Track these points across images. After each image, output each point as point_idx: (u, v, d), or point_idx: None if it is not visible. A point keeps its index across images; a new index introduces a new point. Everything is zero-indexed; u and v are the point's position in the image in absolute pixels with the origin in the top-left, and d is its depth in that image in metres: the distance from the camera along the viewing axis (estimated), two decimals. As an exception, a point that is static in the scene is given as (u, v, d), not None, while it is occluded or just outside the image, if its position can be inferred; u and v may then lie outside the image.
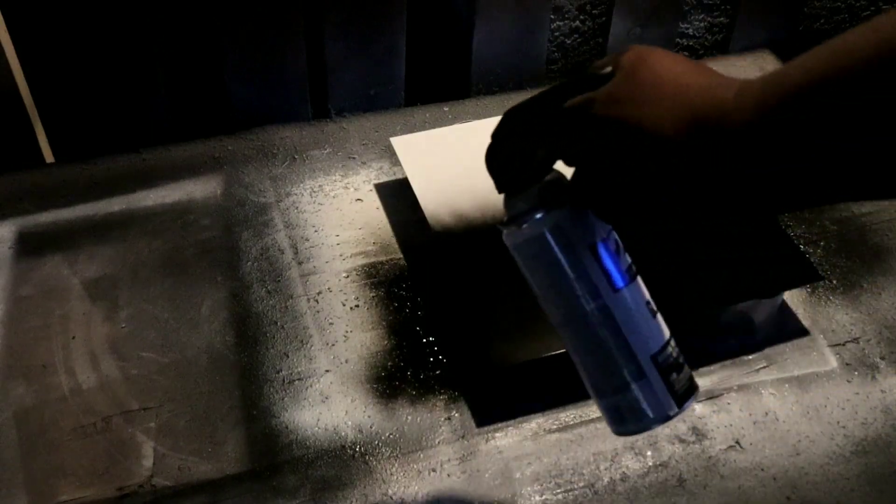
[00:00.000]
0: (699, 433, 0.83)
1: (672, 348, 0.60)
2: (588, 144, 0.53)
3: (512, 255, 0.61)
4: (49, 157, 1.12)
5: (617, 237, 0.59)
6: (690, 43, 1.32)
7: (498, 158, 0.59)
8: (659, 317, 0.60)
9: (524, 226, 0.58)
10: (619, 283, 0.58)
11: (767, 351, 0.90)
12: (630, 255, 0.60)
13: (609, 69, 0.53)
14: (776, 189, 0.47)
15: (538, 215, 0.57)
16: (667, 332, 0.60)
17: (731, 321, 0.90)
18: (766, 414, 0.85)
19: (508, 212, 0.60)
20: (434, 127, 1.10)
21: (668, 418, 0.59)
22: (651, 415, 0.59)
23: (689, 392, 0.60)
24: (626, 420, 0.60)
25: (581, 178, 0.55)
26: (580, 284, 0.58)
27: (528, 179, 0.58)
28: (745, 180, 0.47)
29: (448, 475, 0.79)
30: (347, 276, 0.95)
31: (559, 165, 0.56)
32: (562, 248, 0.57)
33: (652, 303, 0.60)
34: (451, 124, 1.11)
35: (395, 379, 0.86)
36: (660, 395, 0.59)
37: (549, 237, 0.58)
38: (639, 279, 0.60)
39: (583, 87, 0.53)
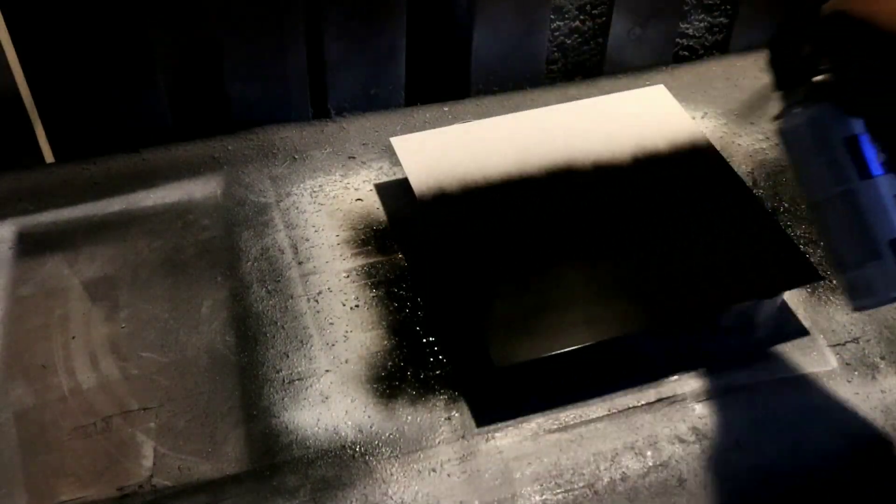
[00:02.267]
0: (699, 433, 0.83)
1: None
2: (844, 41, 0.61)
3: (780, 139, 0.73)
4: (49, 157, 1.12)
5: (874, 136, 0.68)
6: (690, 43, 1.32)
7: (777, 58, 0.71)
8: None
9: (791, 115, 0.70)
10: (872, 171, 0.67)
11: (767, 351, 0.90)
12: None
13: None
14: None
15: (800, 108, 0.69)
16: None
17: (731, 321, 0.90)
18: (766, 414, 0.85)
19: (782, 104, 0.72)
20: (434, 127, 1.10)
21: None
22: (883, 292, 0.68)
23: None
24: (860, 294, 0.70)
25: (839, 76, 0.64)
26: (833, 170, 0.68)
27: (799, 77, 0.69)
28: None
29: (448, 475, 0.79)
30: (347, 276, 0.95)
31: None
32: (819, 136, 0.69)
33: None
34: (451, 124, 1.11)
35: (395, 379, 0.86)
36: (893, 276, 0.67)
37: (809, 126, 0.69)
38: (893, 175, 0.69)
39: None
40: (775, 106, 0.74)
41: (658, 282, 0.88)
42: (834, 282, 0.97)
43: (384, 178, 1.07)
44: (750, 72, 1.25)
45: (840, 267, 0.71)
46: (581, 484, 0.79)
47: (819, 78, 0.68)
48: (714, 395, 0.86)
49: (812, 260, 0.98)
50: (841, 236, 0.70)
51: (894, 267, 0.67)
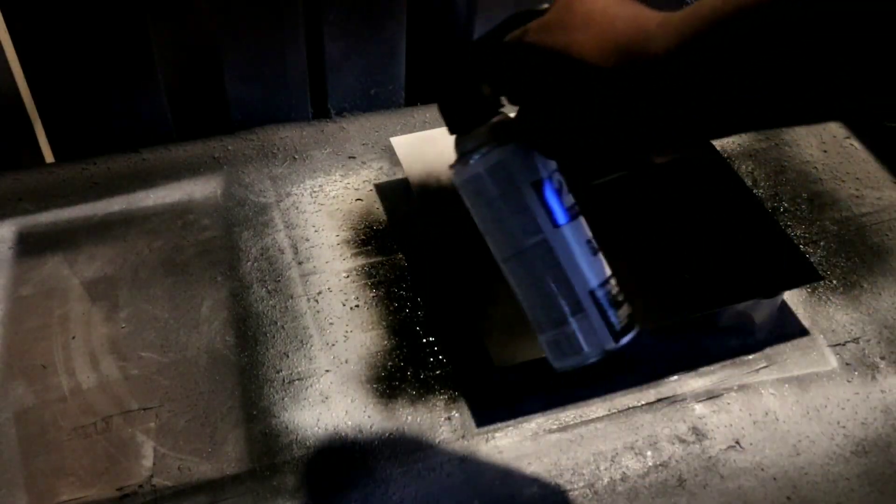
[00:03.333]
0: (699, 433, 0.83)
1: (612, 286, 0.62)
2: (524, 76, 0.55)
3: (459, 194, 0.64)
4: (49, 157, 1.12)
5: (561, 177, 0.62)
6: (690, 43, 1.31)
7: (447, 99, 0.62)
8: (601, 256, 0.63)
9: (469, 163, 0.61)
10: (561, 219, 0.60)
11: (767, 351, 0.90)
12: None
13: (546, 5, 0.55)
14: (704, 116, 0.48)
15: (481, 153, 0.60)
16: (608, 272, 0.63)
17: (731, 321, 0.90)
18: (766, 414, 0.85)
19: (457, 150, 0.62)
20: (434, 127, 1.10)
21: (604, 352, 0.62)
22: (588, 348, 0.62)
23: (627, 328, 0.62)
24: (565, 354, 0.63)
25: (522, 114, 0.57)
26: (521, 220, 0.60)
27: (475, 118, 0.60)
28: (672, 109, 0.48)
29: (448, 475, 0.79)
30: (347, 276, 0.95)
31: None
32: (504, 184, 0.60)
33: (594, 242, 0.62)
34: (451, 124, 1.11)
35: (395, 379, 0.86)
36: (598, 330, 0.61)
37: (490, 174, 0.60)
38: (581, 219, 0.62)
39: (522, 20, 0.55)
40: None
41: (658, 281, 0.88)
42: (834, 281, 0.97)
43: (384, 178, 1.07)
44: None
45: (541, 325, 0.63)
46: (581, 484, 0.79)
47: (498, 118, 0.60)
48: (714, 395, 0.86)
49: (812, 260, 0.98)
50: (540, 291, 0.62)
51: (598, 319, 0.61)
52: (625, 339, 0.62)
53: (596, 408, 0.84)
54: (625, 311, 0.62)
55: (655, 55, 0.47)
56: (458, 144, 0.62)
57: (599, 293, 0.61)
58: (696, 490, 0.79)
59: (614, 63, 0.49)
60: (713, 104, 0.47)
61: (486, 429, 0.82)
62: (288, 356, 0.87)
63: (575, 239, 0.61)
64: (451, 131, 0.62)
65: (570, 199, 0.62)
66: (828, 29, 0.40)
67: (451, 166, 0.63)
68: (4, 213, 1.00)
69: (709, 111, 0.48)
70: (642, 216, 0.95)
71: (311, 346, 0.88)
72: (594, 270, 0.62)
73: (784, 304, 0.94)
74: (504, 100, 0.59)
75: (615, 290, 0.63)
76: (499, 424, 0.83)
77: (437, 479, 0.79)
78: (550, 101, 0.53)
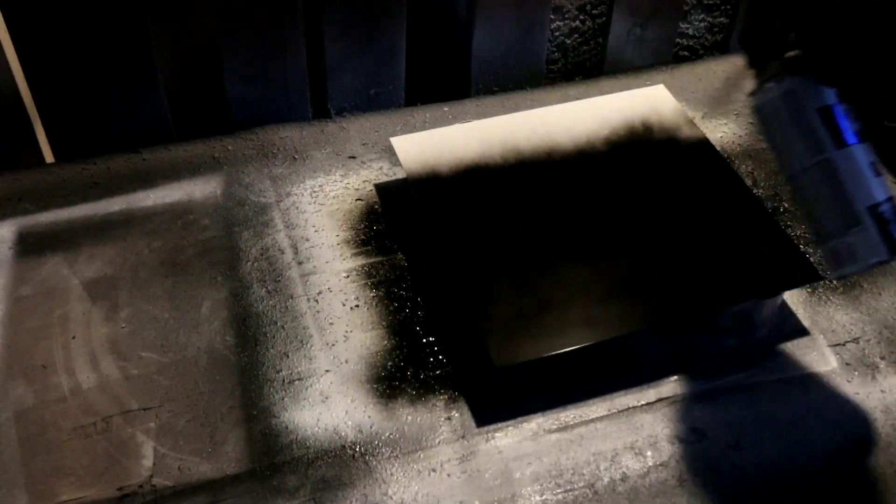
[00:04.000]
0: (699, 433, 0.83)
1: (893, 205, 0.70)
2: (824, 17, 0.63)
3: (755, 115, 0.76)
4: (49, 157, 1.12)
5: (848, 106, 0.71)
6: (690, 43, 1.32)
7: (748, 37, 0.74)
8: (884, 178, 0.71)
9: (765, 91, 0.73)
10: (845, 141, 0.70)
11: (767, 351, 0.90)
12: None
13: None
14: None
15: (776, 82, 0.71)
16: (888, 193, 0.71)
17: (731, 321, 0.90)
18: (766, 414, 0.85)
19: (756, 81, 0.75)
20: (434, 127, 1.10)
21: (879, 263, 0.70)
22: (865, 257, 0.70)
23: None
24: (843, 262, 0.72)
25: (813, 50, 0.66)
26: (808, 140, 0.71)
27: (770, 53, 0.71)
28: None
29: (448, 475, 0.79)
30: (347, 276, 0.95)
31: None
32: (794, 109, 0.71)
33: (879, 165, 0.71)
34: (451, 124, 1.11)
35: (395, 379, 0.86)
36: (874, 241, 0.69)
37: (784, 99, 0.72)
38: (867, 143, 0.71)
39: None
40: (745, 91, 0.77)
41: (658, 282, 0.88)
42: (834, 282, 0.97)
43: (384, 178, 1.07)
44: (750, 72, 1.25)
45: (820, 237, 0.73)
46: (581, 484, 0.79)
47: (792, 53, 0.70)
48: (714, 395, 0.86)
49: (812, 260, 0.98)
50: (820, 206, 0.72)
51: (875, 232, 0.69)
52: None
53: (596, 408, 0.84)
54: None
55: None
56: (757, 76, 0.74)
57: (881, 209, 0.69)
58: (696, 490, 0.79)
59: None
60: None
61: (486, 429, 0.82)
62: (288, 356, 0.87)
63: (858, 159, 0.69)
64: (752, 66, 0.74)
65: (856, 125, 0.70)
66: None
67: (750, 94, 0.75)
68: (4, 213, 1.00)
69: None
70: (642, 216, 0.95)
71: (311, 346, 0.88)
72: (876, 188, 0.70)
73: (784, 304, 0.94)
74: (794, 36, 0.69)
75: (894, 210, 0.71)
76: (499, 424, 0.83)
77: (437, 479, 0.79)
78: (838, 37, 0.61)
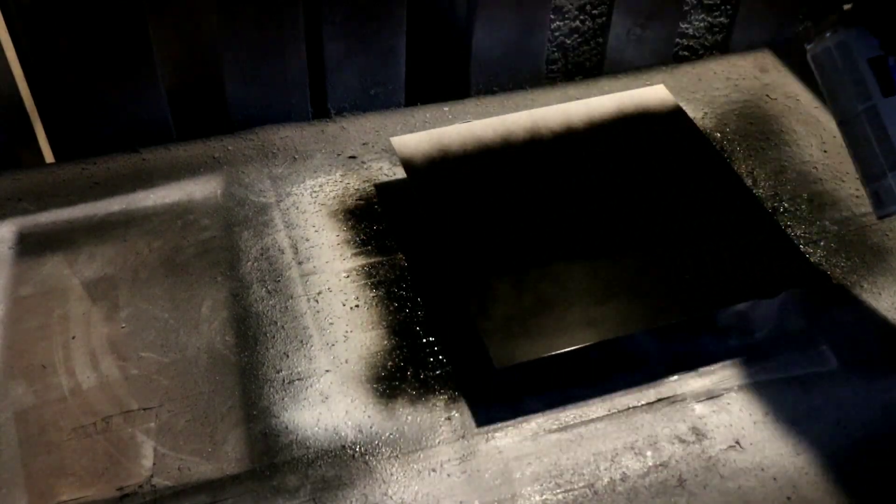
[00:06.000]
0: (699, 433, 0.83)
1: None
2: None
3: (811, 64, 0.82)
4: (49, 157, 1.12)
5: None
6: (690, 43, 1.32)
7: None
8: None
9: (820, 41, 0.78)
10: (892, 91, 0.75)
11: (767, 351, 0.90)
12: None
13: None
14: None
15: (830, 33, 0.77)
16: None
17: (731, 321, 0.90)
18: (766, 414, 0.85)
19: (813, 32, 0.80)
20: (434, 127, 1.10)
21: None
22: None
23: None
24: (884, 203, 0.78)
25: (867, 5, 0.71)
26: (858, 89, 0.76)
27: (829, 5, 0.77)
28: None
29: (448, 475, 0.79)
30: (347, 276, 0.95)
31: None
32: (846, 59, 0.77)
33: None
34: (451, 124, 1.11)
35: (395, 379, 0.86)
36: None
37: (837, 48, 0.77)
38: None
39: None
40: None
41: (658, 282, 0.88)
42: (834, 281, 0.97)
43: (384, 178, 1.07)
44: (750, 72, 1.25)
45: (866, 178, 0.78)
46: (581, 484, 0.79)
47: (848, 5, 0.75)
48: (714, 395, 0.86)
49: (812, 260, 0.98)
50: (866, 149, 0.77)
51: None
52: None
53: (596, 408, 0.84)
54: None
55: None
56: (814, 26, 0.79)
57: None
58: (696, 490, 0.79)
59: None
60: None
61: (486, 429, 0.82)
62: (288, 356, 0.87)
63: None
64: (810, 18, 0.81)
65: None
66: None
67: (805, 44, 0.81)
68: (4, 213, 1.00)
69: None
70: (642, 216, 0.95)
71: (311, 346, 0.88)
72: None
73: (784, 304, 0.94)
74: None
75: None
76: (499, 424, 0.83)
77: (437, 479, 0.79)
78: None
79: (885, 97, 0.76)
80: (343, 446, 0.80)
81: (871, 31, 0.76)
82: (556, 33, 1.23)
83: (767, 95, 1.21)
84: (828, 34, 0.79)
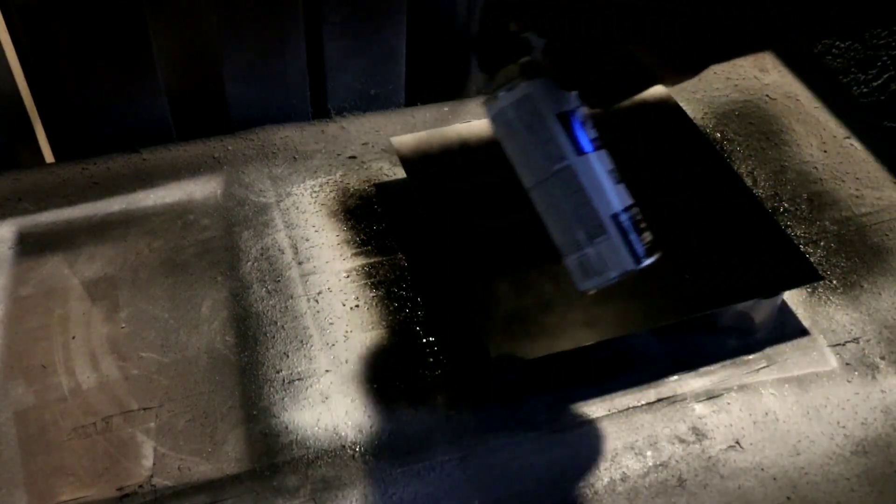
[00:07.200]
0: (699, 433, 0.83)
1: (634, 213, 0.67)
2: (550, 11, 0.59)
3: (491, 126, 0.69)
4: (49, 157, 1.12)
5: (586, 111, 0.67)
6: (690, 43, 1.31)
7: (480, 41, 0.68)
8: (623, 186, 0.67)
9: (498, 98, 0.66)
10: (585, 148, 0.66)
11: (767, 351, 0.90)
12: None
13: None
14: (722, 35, 0.54)
15: (509, 89, 0.66)
16: (630, 200, 0.67)
17: (731, 321, 0.90)
18: (766, 414, 0.85)
19: (490, 86, 0.68)
20: (434, 127, 1.10)
21: (626, 272, 0.67)
22: (610, 269, 0.67)
23: (649, 252, 0.67)
24: (589, 274, 0.68)
25: (547, 47, 0.61)
26: (547, 148, 0.66)
27: (505, 57, 0.65)
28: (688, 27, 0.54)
29: (448, 475, 0.79)
30: (347, 276, 0.95)
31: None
32: (530, 116, 0.66)
33: (617, 172, 0.67)
34: (451, 124, 1.11)
35: (395, 379, 0.86)
36: (620, 252, 0.66)
37: (517, 107, 0.66)
38: (604, 151, 0.67)
39: None
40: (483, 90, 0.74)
41: (658, 282, 0.88)
42: (834, 281, 0.97)
43: (384, 178, 1.07)
44: (750, 72, 1.25)
45: (565, 249, 0.68)
46: (581, 484, 0.79)
47: (526, 58, 0.65)
48: (714, 395, 0.86)
49: (812, 260, 0.98)
50: (564, 216, 0.67)
51: (620, 242, 0.66)
52: (646, 262, 0.67)
53: (596, 408, 0.84)
54: (647, 236, 0.67)
55: None
56: (490, 82, 0.68)
57: (622, 217, 0.66)
58: (696, 490, 0.79)
59: None
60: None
61: (485, 429, 0.82)
62: (288, 356, 0.87)
63: (598, 167, 0.66)
64: (483, 70, 0.67)
65: (593, 133, 0.67)
66: None
67: (483, 103, 0.68)
68: (4, 213, 1.00)
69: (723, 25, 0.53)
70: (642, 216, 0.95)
71: (311, 346, 0.88)
72: (617, 197, 0.66)
73: (784, 304, 0.94)
74: (531, 38, 0.64)
75: (637, 217, 0.67)
76: (499, 424, 0.83)
77: (437, 479, 0.79)
78: (576, 38, 0.58)
79: (577, 157, 0.65)
80: (343, 446, 0.81)
81: (559, 84, 0.65)
82: (556, 33, 1.23)
83: (767, 95, 1.21)
84: (504, 90, 0.66)
